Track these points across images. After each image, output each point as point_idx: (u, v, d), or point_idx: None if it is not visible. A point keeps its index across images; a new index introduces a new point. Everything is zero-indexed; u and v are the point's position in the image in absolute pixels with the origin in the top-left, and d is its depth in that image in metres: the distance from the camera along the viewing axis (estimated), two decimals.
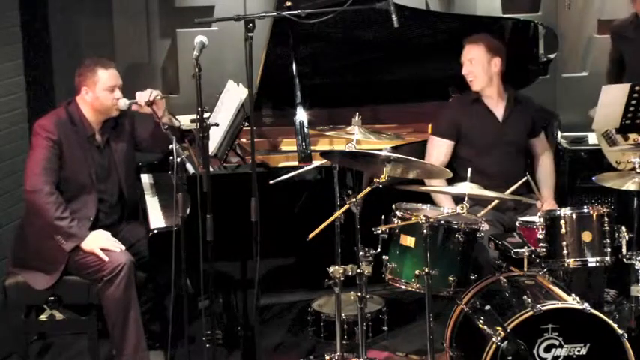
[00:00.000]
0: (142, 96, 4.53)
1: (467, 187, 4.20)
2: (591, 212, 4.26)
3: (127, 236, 4.65)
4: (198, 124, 4.02)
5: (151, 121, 4.65)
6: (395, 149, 4.84)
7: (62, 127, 4.49)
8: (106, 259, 4.37)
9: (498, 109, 4.97)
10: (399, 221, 4.17)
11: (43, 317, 4.49)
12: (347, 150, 4.29)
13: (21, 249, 4.54)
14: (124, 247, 4.47)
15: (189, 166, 4.18)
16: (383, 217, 4.24)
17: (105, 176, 4.63)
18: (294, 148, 4.87)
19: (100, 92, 4.51)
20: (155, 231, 4.44)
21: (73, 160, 4.51)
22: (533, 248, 4.25)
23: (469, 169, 4.28)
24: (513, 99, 5.00)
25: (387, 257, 4.20)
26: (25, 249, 4.52)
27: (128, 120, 4.74)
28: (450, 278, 4.13)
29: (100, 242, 4.42)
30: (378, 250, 4.18)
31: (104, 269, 4.36)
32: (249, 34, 3.97)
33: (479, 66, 4.89)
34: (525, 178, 4.70)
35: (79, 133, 4.54)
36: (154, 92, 4.55)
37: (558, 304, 4.01)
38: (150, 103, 4.51)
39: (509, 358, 3.92)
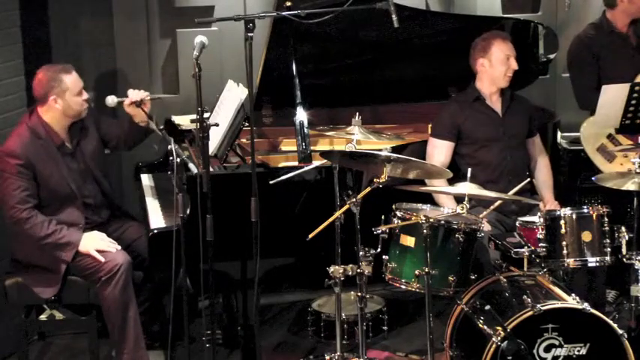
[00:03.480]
0: (133, 94, 4.53)
1: (467, 187, 4.20)
2: (591, 212, 4.26)
3: (124, 236, 4.65)
4: (198, 124, 4.02)
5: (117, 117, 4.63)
6: (395, 149, 4.84)
7: (27, 148, 4.40)
8: (102, 259, 4.37)
9: (497, 105, 4.98)
10: (399, 221, 4.17)
11: (43, 317, 4.50)
12: (347, 150, 4.29)
13: (19, 257, 4.54)
14: (119, 247, 4.47)
15: (191, 166, 4.18)
16: (383, 217, 4.24)
17: (83, 180, 4.60)
18: (294, 148, 4.87)
19: (70, 98, 4.47)
20: (155, 231, 4.44)
21: (49, 176, 4.46)
22: (533, 248, 4.26)
23: (469, 169, 4.28)
24: (509, 95, 5.02)
25: (387, 257, 4.20)
26: (22, 258, 4.51)
27: (91, 119, 4.70)
28: (450, 278, 4.13)
29: (95, 243, 4.42)
30: (378, 250, 4.18)
31: (101, 270, 4.36)
32: (249, 34, 3.97)
33: None
34: (528, 180, 4.71)
35: (48, 146, 4.48)
36: (143, 93, 4.55)
37: (558, 304, 4.01)
38: (139, 104, 4.50)
39: (509, 358, 3.92)
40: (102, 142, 4.77)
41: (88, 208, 4.59)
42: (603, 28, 5.45)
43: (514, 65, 4.87)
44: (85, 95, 4.53)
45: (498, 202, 4.45)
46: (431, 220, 4.08)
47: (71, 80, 4.48)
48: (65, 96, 4.47)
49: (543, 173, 5.08)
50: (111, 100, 4.54)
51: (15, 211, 4.37)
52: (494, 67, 4.88)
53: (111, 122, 4.81)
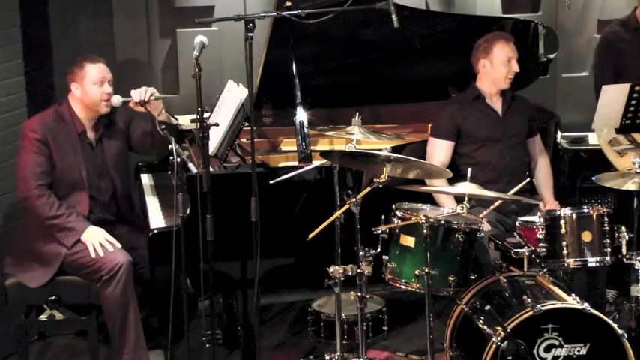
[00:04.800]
0: (135, 94, 4.46)
1: (467, 187, 4.20)
2: (591, 212, 4.26)
3: (125, 238, 4.64)
4: (198, 124, 4.02)
5: (147, 122, 4.62)
6: (395, 149, 4.84)
7: (48, 126, 4.48)
8: (102, 254, 4.38)
9: (497, 105, 4.98)
10: (399, 221, 4.17)
11: (43, 317, 4.49)
12: (347, 150, 4.29)
13: (16, 248, 4.55)
14: (119, 245, 4.46)
15: (191, 166, 4.18)
16: (383, 217, 4.24)
17: (97, 174, 4.61)
18: (294, 148, 4.87)
19: (88, 86, 4.49)
20: (155, 231, 4.44)
21: (63, 158, 4.50)
22: (533, 248, 4.26)
23: (469, 169, 4.28)
24: (510, 95, 5.02)
25: (387, 257, 4.19)
26: (20, 248, 4.52)
27: (123, 118, 4.72)
28: (450, 278, 4.13)
29: (96, 237, 4.43)
30: (378, 250, 4.18)
31: (102, 269, 4.36)
32: (249, 34, 3.97)
33: None
34: (527, 180, 4.71)
35: (69, 130, 4.53)
36: (149, 91, 4.46)
37: (558, 304, 4.01)
38: (143, 103, 4.44)
39: (509, 358, 3.92)
40: (130, 146, 4.76)
41: (95, 203, 4.60)
42: (629, 25, 5.43)
43: (515, 68, 4.87)
44: (108, 89, 4.53)
45: (498, 202, 4.45)
46: (431, 220, 4.08)
47: (92, 69, 4.50)
48: (84, 83, 4.50)
49: (543, 173, 5.08)
50: (116, 99, 4.52)
51: (28, 185, 4.42)
52: (496, 69, 4.88)
53: (142, 126, 4.73)
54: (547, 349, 3.98)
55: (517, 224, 4.45)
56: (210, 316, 4.31)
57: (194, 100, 4.00)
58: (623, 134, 5.09)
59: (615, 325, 3.99)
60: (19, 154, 4.52)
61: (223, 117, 4.68)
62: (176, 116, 4.67)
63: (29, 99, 5.33)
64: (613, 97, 4.95)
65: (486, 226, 4.52)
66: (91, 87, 4.50)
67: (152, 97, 4.47)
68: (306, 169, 4.59)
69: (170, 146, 4.11)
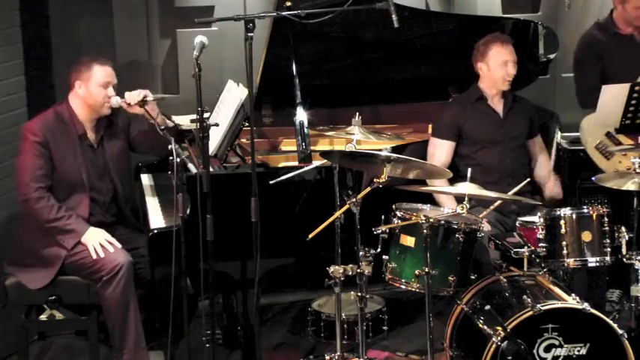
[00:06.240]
0: (132, 96, 4.47)
1: (467, 187, 4.20)
2: (591, 212, 4.26)
3: (126, 239, 4.64)
4: (198, 124, 4.02)
5: (146, 122, 4.62)
6: (395, 149, 4.84)
7: (47, 127, 4.47)
8: (102, 255, 4.38)
9: (499, 107, 4.98)
10: (399, 221, 4.17)
11: (43, 317, 4.49)
12: (347, 150, 4.29)
13: (17, 249, 4.54)
14: (119, 246, 4.46)
15: (190, 166, 4.19)
16: (383, 217, 4.24)
17: (98, 176, 4.61)
18: (294, 148, 4.88)
19: (93, 87, 4.49)
20: (155, 231, 4.44)
21: (63, 159, 4.49)
22: (533, 248, 4.26)
23: (469, 169, 4.29)
24: (512, 97, 5.02)
25: (387, 257, 4.20)
26: (20, 249, 4.52)
27: (123, 119, 4.72)
28: (450, 278, 4.13)
29: (97, 238, 4.43)
30: (378, 250, 4.18)
31: (102, 270, 4.36)
32: (249, 34, 3.97)
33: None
34: (528, 180, 4.71)
35: (69, 131, 4.52)
36: (142, 92, 4.47)
37: (558, 304, 4.01)
38: (142, 104, 4.44)
39: (509, 358, 3.92)
40: (130, 146, 4.76)
41: (96, 204, 4.59)
42: (607, 29, 5.41)
43: (512, 71, 4.86)
44: (111, 92, 4.52)
45: (498, 202, 4.45)
46: (431, 220, 4.08)
47: (99, 70, 4.50)
48: (89, 83, 4.48)
49: (544, 169, 5.08)
50: (115, 100, 4.52)
51: (27, 188, 4.41)
52: (492, 72, 4.88)
53: (141, 126, 4.73)
54: (547, 349, 3.98)
55: (517, 224, 4.45)
56: (210, 316, 4.31)
57: (194, 100, 4.00)
58: (609, 137, 5.10)
59: (615, 325, 3.99)
60: (18, 156, 4.51)
61: (223, 117, 4.68)
62: (173, 117, 4.66)
63: (29, 99, 5.34)
64: (613, 97, 4.94)
65: (486, 226, 4.52)
66: (95, 88, 4.49)
67: (148, 98, 4.46)
68: (306, 169, 4.59)
69: (170, 146, 4.11)
